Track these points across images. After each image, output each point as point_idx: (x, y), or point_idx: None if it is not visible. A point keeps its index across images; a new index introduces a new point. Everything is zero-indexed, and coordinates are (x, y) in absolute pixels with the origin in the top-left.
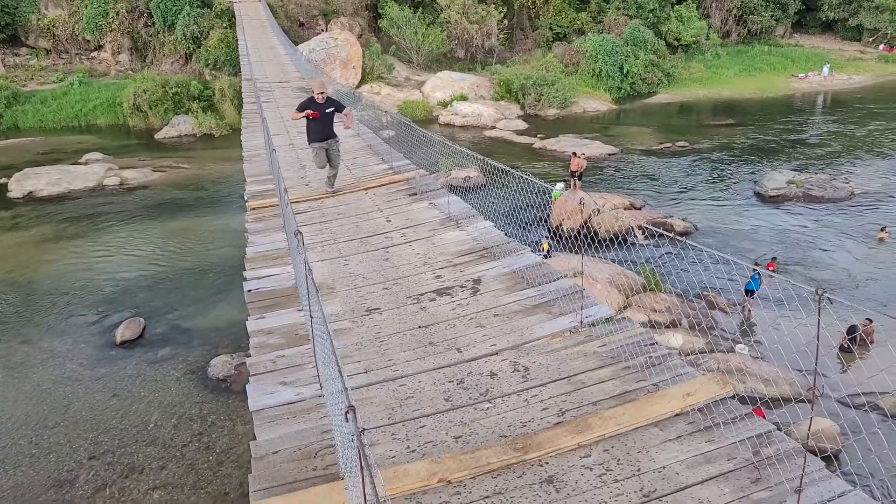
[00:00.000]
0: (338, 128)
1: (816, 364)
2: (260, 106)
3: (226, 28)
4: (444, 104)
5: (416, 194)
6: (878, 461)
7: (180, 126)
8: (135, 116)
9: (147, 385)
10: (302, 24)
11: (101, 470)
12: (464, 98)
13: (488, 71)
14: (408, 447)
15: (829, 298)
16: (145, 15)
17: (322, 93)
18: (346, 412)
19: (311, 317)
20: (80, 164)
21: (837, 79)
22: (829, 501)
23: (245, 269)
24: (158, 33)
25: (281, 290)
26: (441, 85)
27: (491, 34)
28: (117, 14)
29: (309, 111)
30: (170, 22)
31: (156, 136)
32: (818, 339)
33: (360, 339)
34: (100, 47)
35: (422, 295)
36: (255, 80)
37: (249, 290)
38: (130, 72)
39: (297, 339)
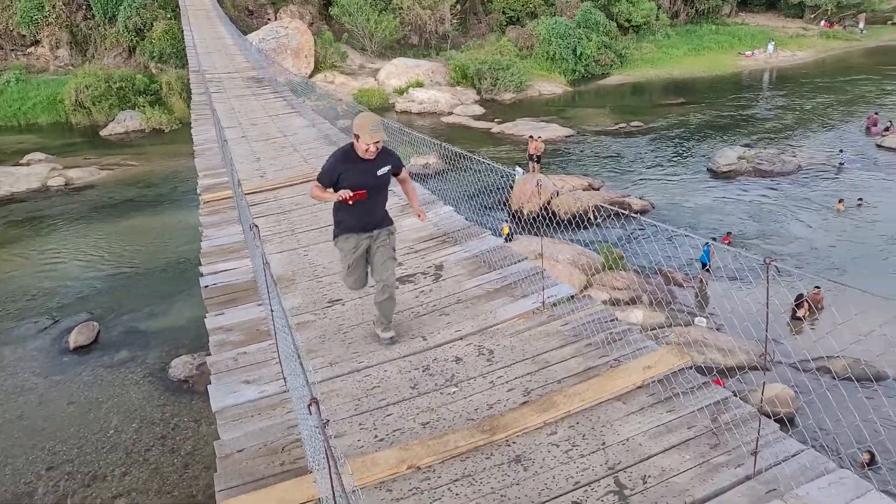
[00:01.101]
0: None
1: (767, 331)
2: (210, 98)
3: (170, 19)
4: (400, 91)
5: None
6: (828, 421)
7: (127, 122)
8: (77, 113)
9: (105, 390)
10: (250, 13)
11: (61, 480)
12: (420, 85)
13: (443, 57)
14: (375, 436)
15: (776, 267)
16: (84, 7)
17: (375, 144)
18: (309, 405)
19: (272, 311)
20: (21, 164)
21: (782, 55)
22: (783, 461)
23: (201, 265)
24: (99, 26)
25: (239, 284)
26: (396, 72)
27: (444, 19)
28: (53, 7)
29: (346, 193)
30: (110, 14)
31: (101, 134)
32: (767, 307)
33: (323, 332)
34: (36, 42)
35: None
36: (203, 72)
37: (206, 286)
38: (71, 67)
39: (259, 334)
